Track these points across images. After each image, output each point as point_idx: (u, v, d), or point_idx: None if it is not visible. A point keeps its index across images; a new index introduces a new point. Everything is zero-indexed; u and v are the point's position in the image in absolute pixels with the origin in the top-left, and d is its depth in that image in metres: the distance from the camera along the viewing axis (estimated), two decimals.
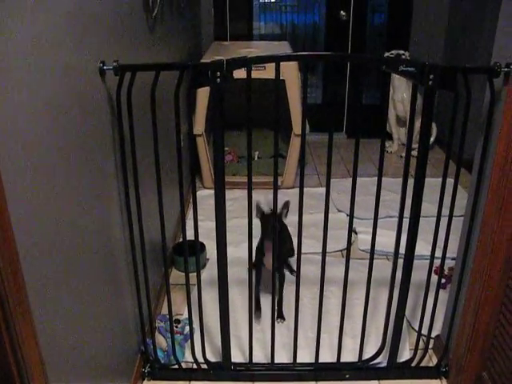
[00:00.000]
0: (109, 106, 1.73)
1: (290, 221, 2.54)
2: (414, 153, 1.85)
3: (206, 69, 1.64)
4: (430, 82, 1.66)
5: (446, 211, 1.89)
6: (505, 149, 1.68)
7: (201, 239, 2.99)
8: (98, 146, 1.63)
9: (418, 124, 2.00)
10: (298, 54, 1.77)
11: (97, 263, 1.63)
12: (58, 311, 1.32)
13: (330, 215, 3.45)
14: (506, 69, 1.65)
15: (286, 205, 2.51)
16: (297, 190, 1.88)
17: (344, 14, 4.90)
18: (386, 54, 4.58)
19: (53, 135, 1.28)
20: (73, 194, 1.41)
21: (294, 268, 2.86)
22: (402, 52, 4.55)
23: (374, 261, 2.95)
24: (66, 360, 1.39)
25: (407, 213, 1.89)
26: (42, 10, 1.21)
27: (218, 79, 1.62)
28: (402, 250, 1.98)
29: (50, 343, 1.26)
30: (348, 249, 1.94)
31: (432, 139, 4.83)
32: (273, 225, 2.29)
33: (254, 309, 2.52)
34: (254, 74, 3.03)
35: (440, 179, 1.86)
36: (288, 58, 1.63)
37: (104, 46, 1.68)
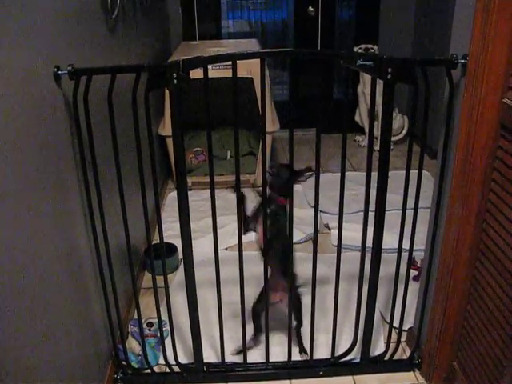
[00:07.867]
0: (67, 112, 1.70)
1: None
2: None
3: (162, 70, 1.62)
4: (389, 76, 1.66)
5: (420, 203, 1.89)
6: (465, 139, 1.69)
7: (173, 241, 2.97)
8: (56, 154, 1.60)
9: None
10: (254, 51, 1.76)
11: (61, 270, 1.60)
12: (17, 321, 1.30)
13: (303, 211, 3.51)
14: (462, 60, 1.65)
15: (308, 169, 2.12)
16: None
17: (312, 9, 4.90)
18: (355, 49, 4.59)
19: (7, 143, 1.25)
20: (30, 202, 1.39)
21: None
22: (370, 46, 4.55)
23: (349, 255, 2.98)
24: (28, 371, 1.36)
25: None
26: None
27: (175, 80, 1.60)
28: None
29: (7, 353, 1.24)
30: (314, 244, 1.93)
31: (404, 132, 4.86)
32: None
33: (253, 333, 2.25)
34: (222, 73, 3.05)
35: (413, 171, 1.84)
36: (243, 56, 1.61)
37: (59, 50, 1.65)
